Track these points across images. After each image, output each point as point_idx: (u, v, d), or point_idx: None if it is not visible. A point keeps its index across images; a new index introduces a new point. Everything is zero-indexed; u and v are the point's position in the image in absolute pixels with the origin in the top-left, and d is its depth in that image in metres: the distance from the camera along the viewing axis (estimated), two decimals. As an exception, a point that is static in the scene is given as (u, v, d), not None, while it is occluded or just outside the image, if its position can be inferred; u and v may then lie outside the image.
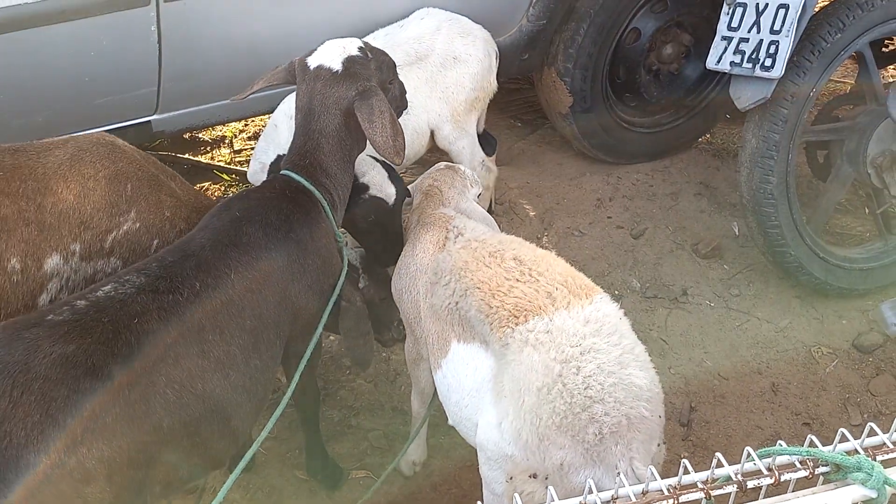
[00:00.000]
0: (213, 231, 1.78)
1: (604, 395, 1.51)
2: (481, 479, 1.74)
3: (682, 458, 1.22)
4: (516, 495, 1.19)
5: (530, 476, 1.58)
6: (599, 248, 3.42)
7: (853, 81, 3.50)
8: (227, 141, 4.28)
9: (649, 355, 1.64)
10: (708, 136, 4.08)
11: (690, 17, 3.64)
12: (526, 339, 1.61)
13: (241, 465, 1.57)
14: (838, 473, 1.14)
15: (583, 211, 3.58)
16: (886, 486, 1.10)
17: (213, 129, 4.24)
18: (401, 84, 2.24)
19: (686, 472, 1.16)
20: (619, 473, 1.44)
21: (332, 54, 2.03)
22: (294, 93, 2.18)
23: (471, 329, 1.78)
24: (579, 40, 3.38)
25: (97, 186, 1.86)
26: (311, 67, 2.03)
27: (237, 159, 4.14)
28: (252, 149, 4.21)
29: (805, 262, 2.97)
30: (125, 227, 1.89)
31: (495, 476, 1.66)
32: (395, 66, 2.19)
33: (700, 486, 1.17)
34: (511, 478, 1.62)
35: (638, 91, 3.70)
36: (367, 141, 2.06)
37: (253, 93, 2.14)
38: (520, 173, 3.86)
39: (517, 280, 1.73)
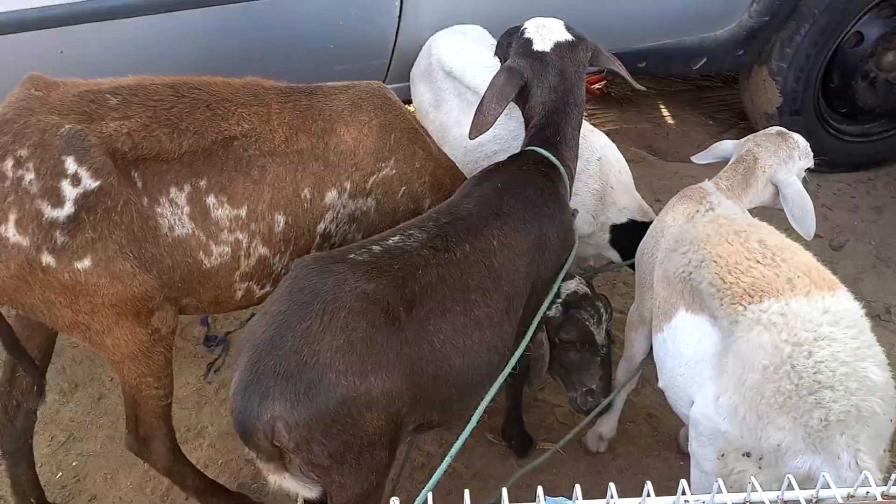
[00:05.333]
0: (479, 199, 1.88)
1: (834, 382, 1.46)
2: (690, 457, 1.73)
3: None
4: (719, 479, 1.17)
5: (744, 455, 1.56)
6: (794, 255, 3.30)
7: None
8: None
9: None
10: (920, 150, 3.83)
11: (921, 24, 3.44)
12: (758, 319, 1.59)
13: (471, 425, 1.61)
14: None
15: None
16: None
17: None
18: None
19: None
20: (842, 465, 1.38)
21: (556, 29, 2.09)
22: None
23: (700, 301, 1.78)
24: (798, 40, 3.27)
25: (370, 133, 2.03)
26: (549, 49, 2.07)
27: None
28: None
29: None
30: (384, 172, 2.05)
31: (705, 453, 1.66)
32: None
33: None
34: (723, 455, 1.60)
35: (851, 98, 3.53)
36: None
37: (490, 124, 2.04)
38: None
39: (757, 261, 1.71)
